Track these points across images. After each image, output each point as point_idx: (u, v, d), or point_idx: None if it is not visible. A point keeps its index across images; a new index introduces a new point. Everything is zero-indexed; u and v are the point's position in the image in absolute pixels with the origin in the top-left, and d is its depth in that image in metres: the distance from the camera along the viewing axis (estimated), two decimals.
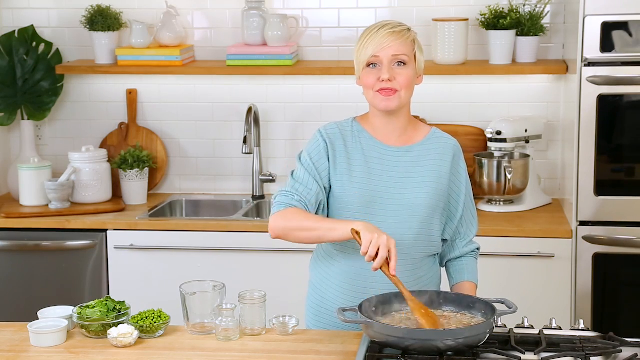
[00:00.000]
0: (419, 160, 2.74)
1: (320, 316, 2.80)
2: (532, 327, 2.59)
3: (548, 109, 4.33)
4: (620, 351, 2.42)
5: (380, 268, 2.49)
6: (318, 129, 2.78)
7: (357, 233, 2.52)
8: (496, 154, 4.17)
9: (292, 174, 2.75)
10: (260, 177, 4.46)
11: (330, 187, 2.74)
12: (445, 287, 2.89)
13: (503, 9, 4.22)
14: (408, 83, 2.66)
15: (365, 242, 2.48)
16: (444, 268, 2.89)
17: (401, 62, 2.65)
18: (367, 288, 2.69)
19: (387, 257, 2.48)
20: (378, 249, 2.47)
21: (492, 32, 4.19)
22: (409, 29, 2.69)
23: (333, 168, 2.72)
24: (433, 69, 4.23)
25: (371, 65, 2.66)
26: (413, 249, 2.72)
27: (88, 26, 4.43)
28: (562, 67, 4.11)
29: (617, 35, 3.69)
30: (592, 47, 3.70)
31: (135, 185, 4.39)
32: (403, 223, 2.70)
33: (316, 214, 2.71)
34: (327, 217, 2.76)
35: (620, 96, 3.74)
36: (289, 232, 2.65)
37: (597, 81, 3.71)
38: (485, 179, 4.13)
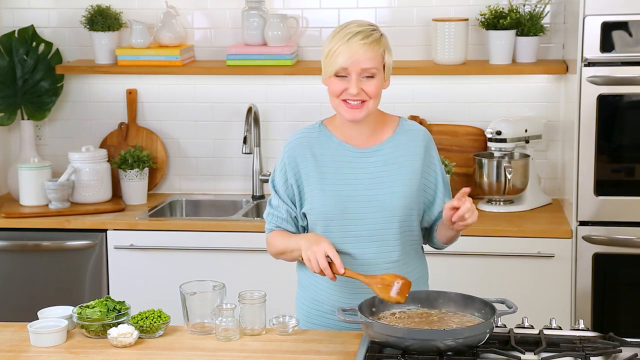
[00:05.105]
0: (390, 158, 2.72)
1: (311, 317, 2.80)
2: (532, 327, 2.59)
3: (548, 109, 4.33)
4: (620, 351, 2.42)
5: (334, 273, 2.54)
6: (285, 144, 2.79)
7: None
8: (496, 154, 4.17)
9: (269, 200, 2.82)
10: (260, 177, 4.46)
11: (303, 200, 2.75)
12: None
13: (503, 9, 4.22)
14: (376, 93, 2.64)
15: (307, 263, 2.57)
16: (429, 233, 2.86)
17: (370, 76, 2.62)
18: (359, 287, 2.68)
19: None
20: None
21: (492, 32, 4.19)
22: (380, 36, 2.64)
23: (305, 179, 2.73)
24: (433, 69, 4.23)
25: (339, 75, 2.63)
26: (396, 247, 2.71)
27: (88, 26, 4.43)
28: (562, 67, 4.11)
29: (617, 35, 3.69)
30: (592, 47, 3.70)
31: (135, 185, 4.39)
32: (381, 224, 2.69)
33: (297, 226, 2.79)
34: (307, 227, 2.78)
35: (620, 96, 3.74)
36: (276, 256, 2.80)
37: (597, 81, 3.71)
38: (485, 179, 4.13)
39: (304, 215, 2.76)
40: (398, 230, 2.70)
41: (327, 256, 2.55)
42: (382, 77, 2.65)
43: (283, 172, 2.77)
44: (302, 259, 2.62)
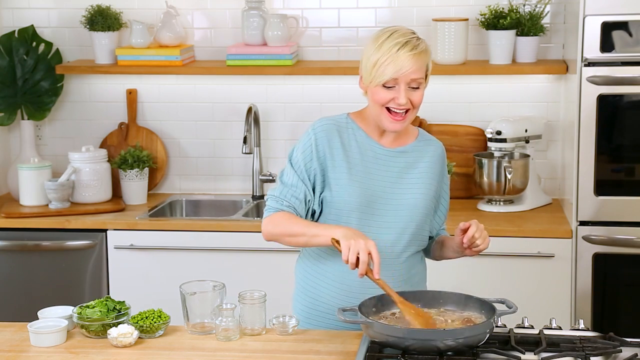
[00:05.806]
0: (413, 162, 2.76)
1: (312, 318, 2.79)
2: (532, 327, 2.59)
3: (548, 109, 4.33)
4: (620, 351, 2.42)
5: (367, 274, 2.48)
6: (312, 125, 2.75)
7: (337, 241, 2.51)
8: (496, 154, 4.17)
9: (281, 177, 2.74)
10: (260, 177, 4.46)
11: (325, 185, 2.71)
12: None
13: (503, 8, 4.22)
14: (420, 102, 2.69)
15: (344, 250, 2.48)
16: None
17: (416, 86, 2.66)
18: (357, 287, 2.69)
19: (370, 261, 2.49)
20: (358, 255, 2.46)
21: (492, 32, 4.19)
22: (425, 46, 2.67)
23: (331, 166, 2.70)
24: (433, 69, 4.12)
25: (387, 86, 2.64)
26: (407, 248, 2.73)
27: (88, 26, 4.43)
28: (562, 67, 4.11)
29: (617, 35, 3.69)
30: (592, 47, 3.70)
31: (135, 185, 4.39)
32: (400, 223, 2.71)
33: (306, 211, 2.72)
34: (324, 216, 2.74)
35: (620, 96, 3.74)
36: (278, 237, 2.69)
37: (597, 81, 3.71)
38: (485, 179, 4.13)
39: (321, 201, 2.73)
40: (414, 231, 2.73)
41: (369, 254, 2.48)
42: (424, 86, 2.69)
43: (310, 151, 2.71)
44: (308, 246, 2.63)
